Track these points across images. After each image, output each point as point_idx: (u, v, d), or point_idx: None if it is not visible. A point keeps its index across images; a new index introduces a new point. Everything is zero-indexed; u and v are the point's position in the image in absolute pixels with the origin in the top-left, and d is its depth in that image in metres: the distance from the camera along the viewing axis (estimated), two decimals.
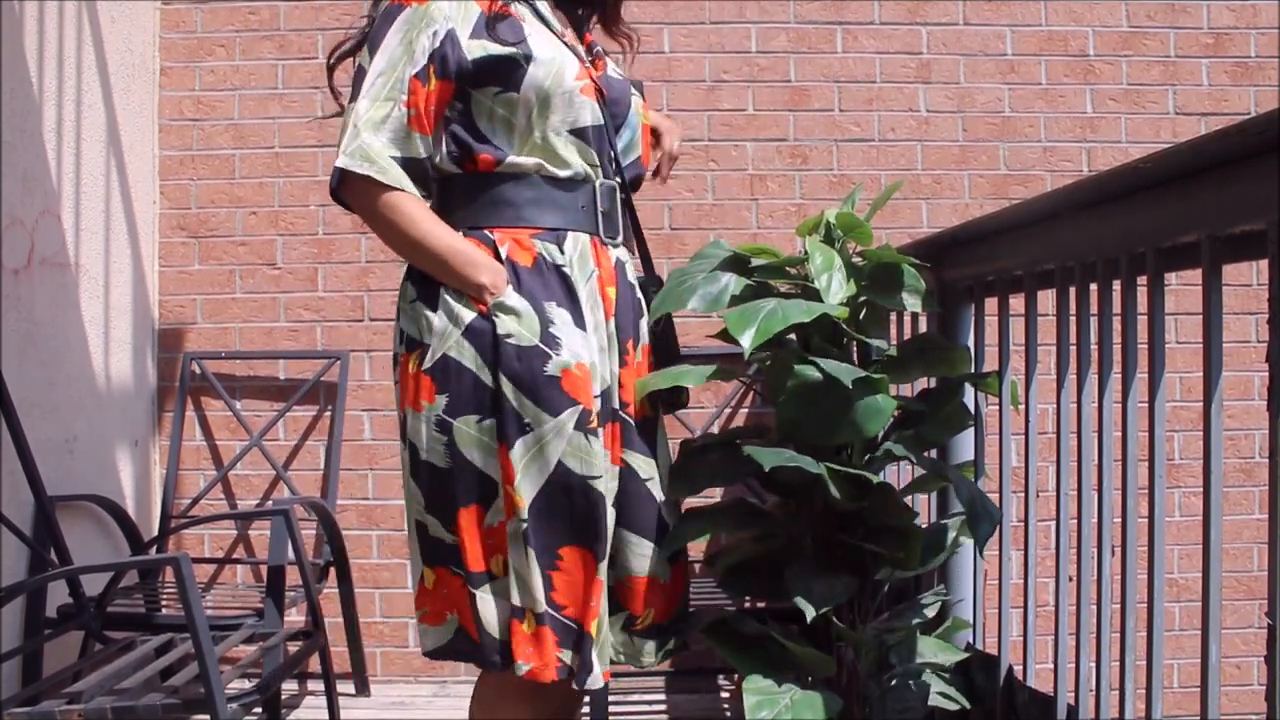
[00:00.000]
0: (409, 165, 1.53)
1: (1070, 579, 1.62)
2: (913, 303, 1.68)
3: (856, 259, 1.72)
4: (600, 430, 1.55)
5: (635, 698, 2.91)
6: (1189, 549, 2.98)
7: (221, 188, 3.09)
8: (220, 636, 2.21)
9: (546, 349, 1.50)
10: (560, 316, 1.52)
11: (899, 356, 1.74)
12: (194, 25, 3.09)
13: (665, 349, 1.71)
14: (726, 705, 2.86)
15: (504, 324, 1.50)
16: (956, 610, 1.95)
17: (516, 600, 1.53)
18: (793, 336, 1.69)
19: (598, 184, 1.60)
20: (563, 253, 1.55)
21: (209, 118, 3.09)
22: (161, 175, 3.09)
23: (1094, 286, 1.51)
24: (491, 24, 1.52)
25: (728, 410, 3.05)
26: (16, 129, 2.41)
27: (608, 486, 1.55)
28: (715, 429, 2.99)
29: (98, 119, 2.78)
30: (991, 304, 1.87)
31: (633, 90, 1.72)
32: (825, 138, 3.10)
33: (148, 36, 3.04)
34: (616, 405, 1.60)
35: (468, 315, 1.51)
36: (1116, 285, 1.46)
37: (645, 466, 1.62)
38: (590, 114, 1.58)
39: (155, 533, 2.91)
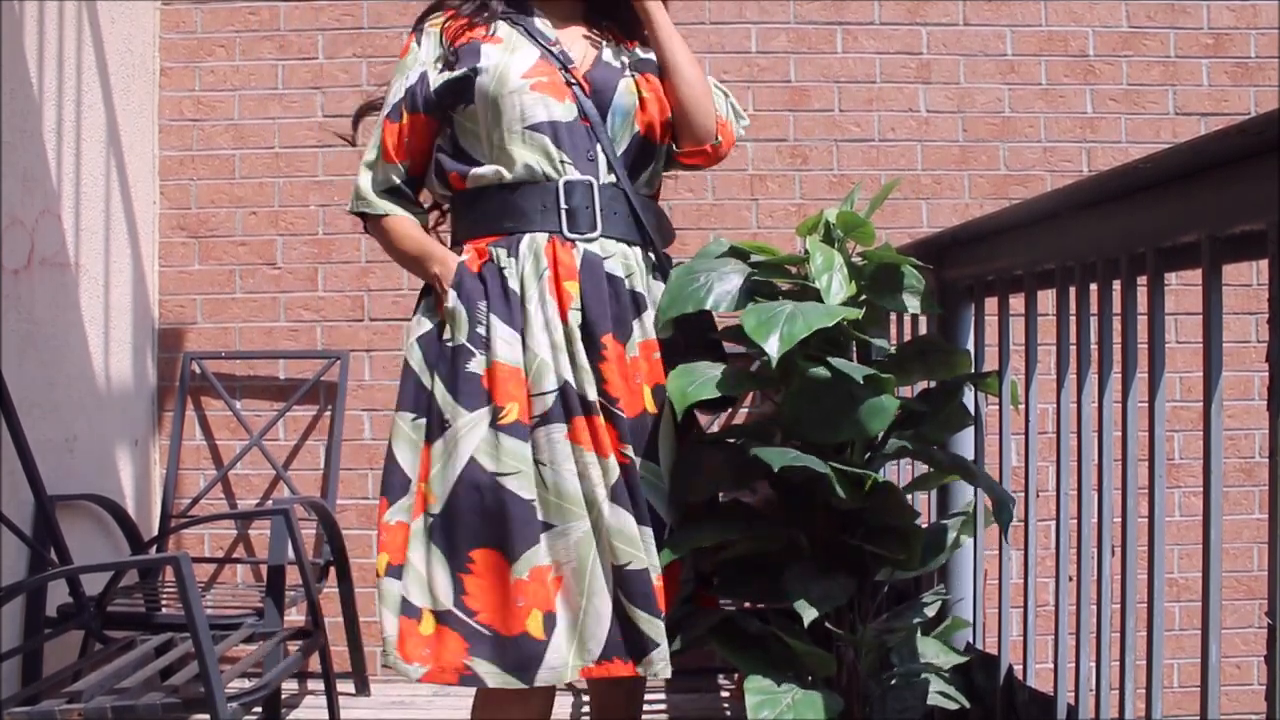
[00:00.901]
0: (395, 194, 1.76)
1: (1070, 579, 1.62)
2: (913, 303, 1.68)
3: (857, 259, 1.72)
4: (538, 429, 1.58)
5: None
6: (1189, 549, 2.98)
7: (221, 188, 3.09)
8: (220, 636, 2.21)
9: (472, 348, 1.61)
10: (490, 319, 1.62)
11: (899, 358, 1.74)
12: (194, 25, 3.09)
13: (691, 347, 1.70)
14: (726, 705, 2.86)
15: (446, 329, 1.65)
16: (957, 610, 1.95)
17: (415, 599, 1.56)
18: None
19: (561, 182, 1.64)
20: (513, 255, 1.64)
21: (209, 118, 3.09)
22: (161, 175, 3.09)
23: (1094, 286, 1.51)
24: (448, 55, 1.70)
25: (728, 409, 3.05)
26: (16, 129, 2.41)
27: (526, 486, 1.57)
28: (716, 427, 2.99)
29: (98, 119, 2.79)
30: (992, 304, 1.87)
31: (627, 72, 1.71)
32: (825, 138, 3.10)
33: (148, 37, 3.04)
34: (593, 398, 1.60)
35: (423, 325, 1.68)
36: (1116, 285, 1.46)
37: (639, 462, 1.63)
38: (550, 110, 1.64)
39: (155, 532, 2.91)
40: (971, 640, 1.93)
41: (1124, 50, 3.11)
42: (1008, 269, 1.78)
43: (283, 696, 2.76)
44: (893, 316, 2.15)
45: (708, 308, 1.61)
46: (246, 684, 2.11)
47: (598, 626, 1.57)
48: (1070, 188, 1.52)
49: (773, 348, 1.48)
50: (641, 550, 1.58)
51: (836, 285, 1.59)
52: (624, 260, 1.67)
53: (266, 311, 3.08)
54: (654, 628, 1.57)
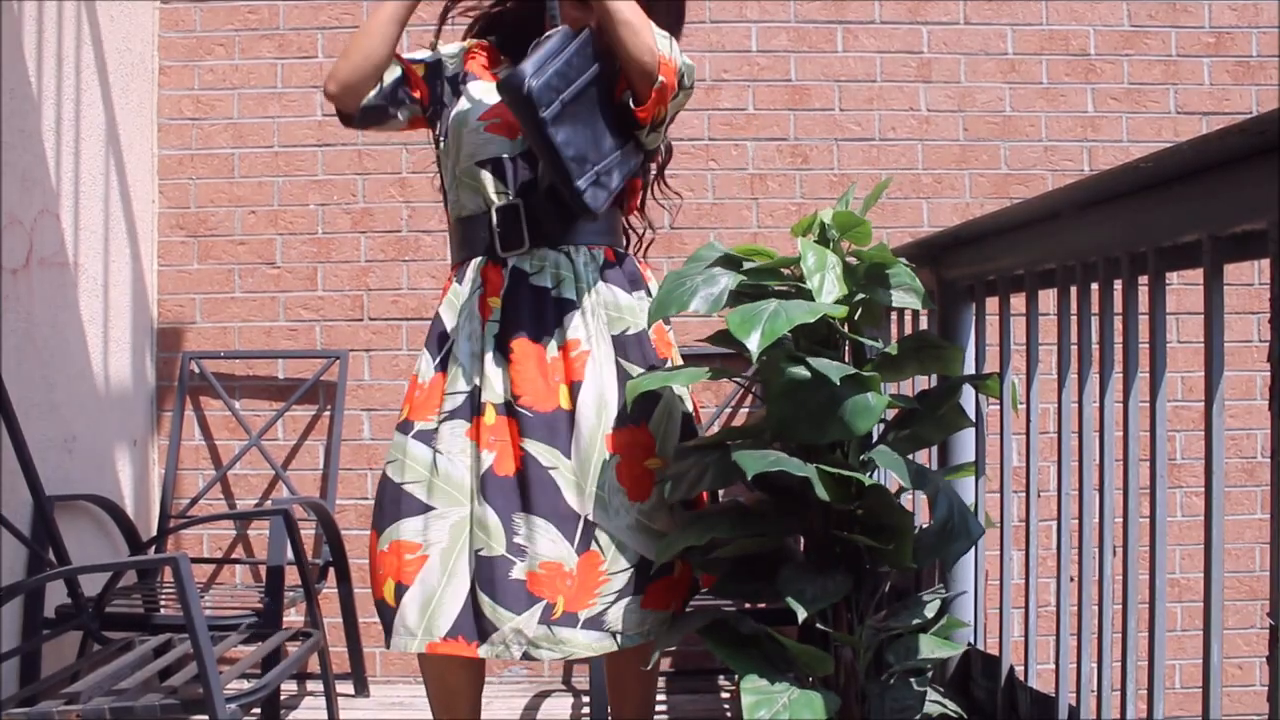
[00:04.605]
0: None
1: (1072, 579, 1.62)
2: (910, 301, 1.68)
3: (851, 259, 1.71)
4: (445, 422, 1.77)
5: None
6: (1191, 549, 2.98)
7: (221, 187, 3.09)
8: (219, 636, 2.20)
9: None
10: (426, 352, 1.84)
11: (893, 355, 1.74)
12: (193, 24, 3.08)
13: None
14: (727, 705, 2.86)
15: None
16: (957, 610, 1.94)
17: None
18: (788, 335, 1.68)
19: (494, 210, 1.80)
20: (460, 281, 1.84)
21: (208, 117, 3.09)
22: (161, 175, 3.09)
23: (1095, 286, 1.50)
24: (457, 76, 1.90)
25: (728, 410, 3.04)
26: (16, 129, 2.41)
27: (397, 472, 1.77)
28: (716, 428, 2.98)
29: (97, 118, 2.78)
30: (993, 304, 1.86)
31: None
32: (826, 137, 3.09)
33: (147, 36, 3.04)
34: (498, 400, 1.75)
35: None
36: (1118, 285, 1.46)
37: (547, 455, 1.74)
38: (499, 147, 1.80)
39: (154, 533, 2.91)
40: (972, 640, 1.92)
41: (1125, 49, 3.10)
42: (1009, 268, 1.78)
43: (282, 697, 2.76)
44: (894, 316, 2.15)
45: (691, 310, 1.64)
46: (245, 685, 2.10)
47: (451, 605, 1.71)
48: (1071, 187, 1.51)
49: (753, 343, 1.50)
50: (496, 540, 1.70)
51: (829, 285, 1.60)
52: (554, 270, 1.80)
53: (266, 311, 3.08)
54: (495, 613, 1.69)
